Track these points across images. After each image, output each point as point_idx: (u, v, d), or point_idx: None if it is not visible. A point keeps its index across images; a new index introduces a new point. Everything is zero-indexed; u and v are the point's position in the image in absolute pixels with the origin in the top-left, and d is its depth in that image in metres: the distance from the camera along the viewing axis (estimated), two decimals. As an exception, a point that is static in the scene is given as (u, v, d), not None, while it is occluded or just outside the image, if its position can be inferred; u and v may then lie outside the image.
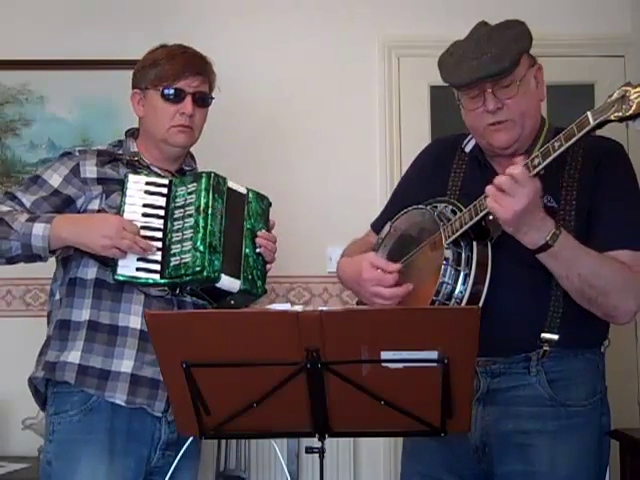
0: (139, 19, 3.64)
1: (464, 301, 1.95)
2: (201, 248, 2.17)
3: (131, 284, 2.22)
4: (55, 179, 2.27)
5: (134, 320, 2.21)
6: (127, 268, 2.20)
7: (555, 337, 1.99)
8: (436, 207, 2.10)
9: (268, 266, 2.34)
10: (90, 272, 2.23)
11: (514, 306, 2.00)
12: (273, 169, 3.55)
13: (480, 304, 1.92)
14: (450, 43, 2.13)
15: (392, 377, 1.67)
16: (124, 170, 2.30)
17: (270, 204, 2.41)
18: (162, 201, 2.27)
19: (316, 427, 1.74)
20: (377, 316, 1.71)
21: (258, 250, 2.30)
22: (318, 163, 3.64)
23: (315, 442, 1.77)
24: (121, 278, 2.20)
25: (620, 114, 1.74)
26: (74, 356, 2.19)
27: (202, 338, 1.68)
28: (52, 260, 2.30)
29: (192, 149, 2.45)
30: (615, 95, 1.76)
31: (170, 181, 2.30)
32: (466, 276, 1.96)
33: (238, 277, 2.23)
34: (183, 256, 2.19)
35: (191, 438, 1.97)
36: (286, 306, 1.72)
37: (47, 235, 2.16)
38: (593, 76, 3.67)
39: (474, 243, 1.99)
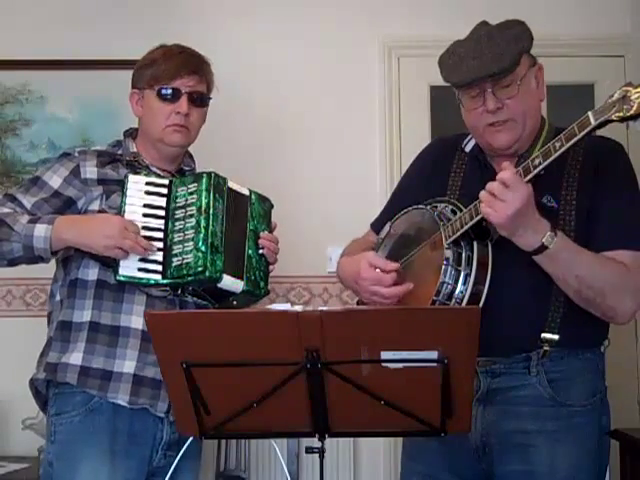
0: (139, 19, 3.64)
1: (464, 301, 1.95)
2: (203, 248, 2.17)
3: (133, 284, 2.21)
4: (55, 180, 2.27)
5: (136, 320, 2.21)
6: (129, 268, 2.19)
7: (555, 337, 1.99)
8: (436, 207, 2.10)
9: (271, 267, 2.35)
10: (91, 273, 2.23)
11: (514, 306, 2.00)
12: (273, 169, 3.55)
13: (481, 304, 1.93)
14: (450, 43, 2.13)
15: (392, 377, 1.67)
16: (124, 171, 2.30)
17: (272, 206, 2.41)
18: (162, 201, 2.27)
19: (316, 427, 1.74)
20: (377, 316, 1.71)
21: (261, 251, 2.31)
22: (318, 163, 3.64)
23: (315, 442, 1.77)
24: (123, 278, 2.20)
25: (621, 114, 1.75)
26: (76, 357, 2.19)
27: (202, 338, 1.68)
28: (52, 260, 2.30)
29: (191, 149, 2.45)
30: (616, 95, 1.77)
31: (170, 181, 2.30)
32: (467, 276, 1.96)
33: (241, 278, 2.23)
34: (185, 256, 2.19)
35: (191, 438, 1.96)
36: (286, 306, 1.72)
37: (49, 236, 2.16)
38: (593, 76, 3.67)
39: (474, 243, 1.99)
